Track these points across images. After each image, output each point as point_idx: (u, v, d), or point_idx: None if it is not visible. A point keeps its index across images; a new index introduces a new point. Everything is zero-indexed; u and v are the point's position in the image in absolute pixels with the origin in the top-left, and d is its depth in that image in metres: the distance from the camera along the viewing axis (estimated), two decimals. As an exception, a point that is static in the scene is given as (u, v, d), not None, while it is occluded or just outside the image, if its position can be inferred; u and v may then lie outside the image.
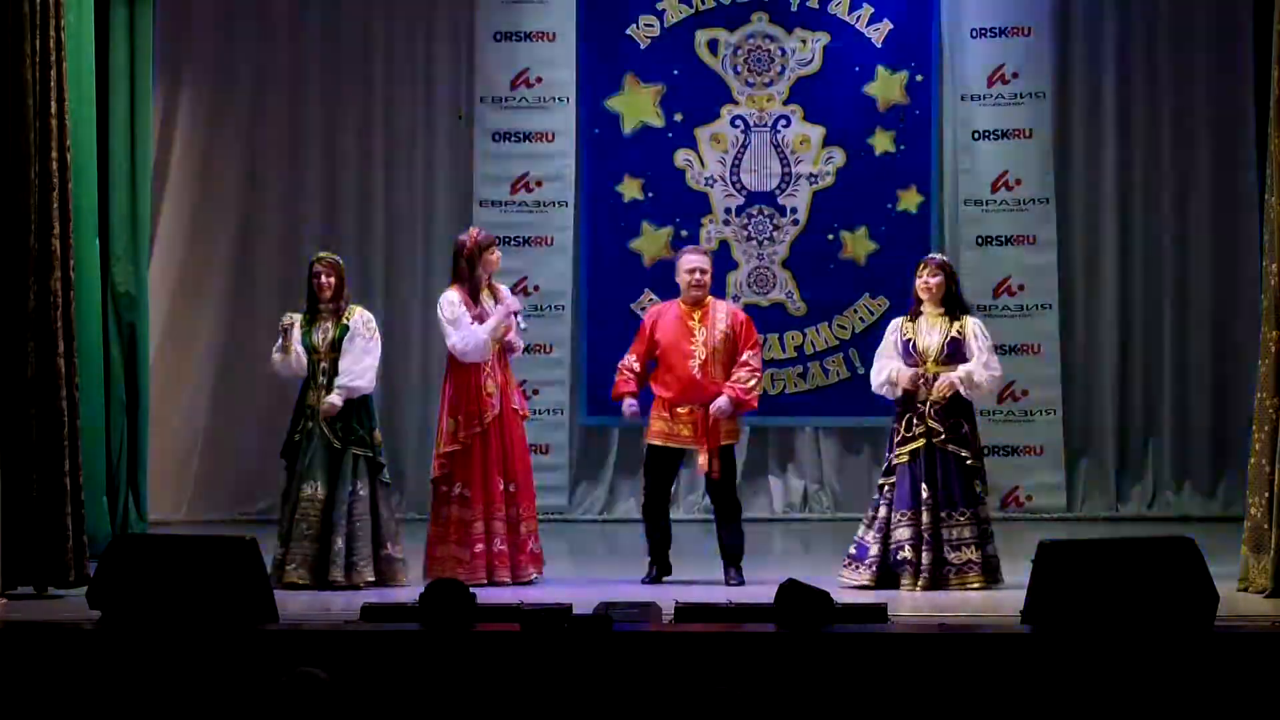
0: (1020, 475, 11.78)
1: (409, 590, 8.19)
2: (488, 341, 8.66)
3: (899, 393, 8.58)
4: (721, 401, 8.74)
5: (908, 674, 6.20)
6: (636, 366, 8.96)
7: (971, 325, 8.66)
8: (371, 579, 8.55)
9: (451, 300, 8.74)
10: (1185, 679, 6.12)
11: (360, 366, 8.68)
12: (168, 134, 11.64)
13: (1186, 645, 6.37)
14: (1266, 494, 8.10)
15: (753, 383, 8.83)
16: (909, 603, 8.02)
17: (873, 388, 8.76)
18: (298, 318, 8.79)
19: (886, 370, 8.62)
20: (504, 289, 8.93)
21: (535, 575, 8.74)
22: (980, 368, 8.56)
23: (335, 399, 8.62)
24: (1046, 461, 11.85)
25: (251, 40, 11.98)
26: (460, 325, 8.67)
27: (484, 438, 8.72)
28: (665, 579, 8.79)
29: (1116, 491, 11.89)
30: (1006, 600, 7.73)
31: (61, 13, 8.51)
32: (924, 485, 8.47)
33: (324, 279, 8.75)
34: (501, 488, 8.70)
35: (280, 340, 8.74)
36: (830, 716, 5.99)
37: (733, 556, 8.80)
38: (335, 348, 8.73)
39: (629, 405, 8.94)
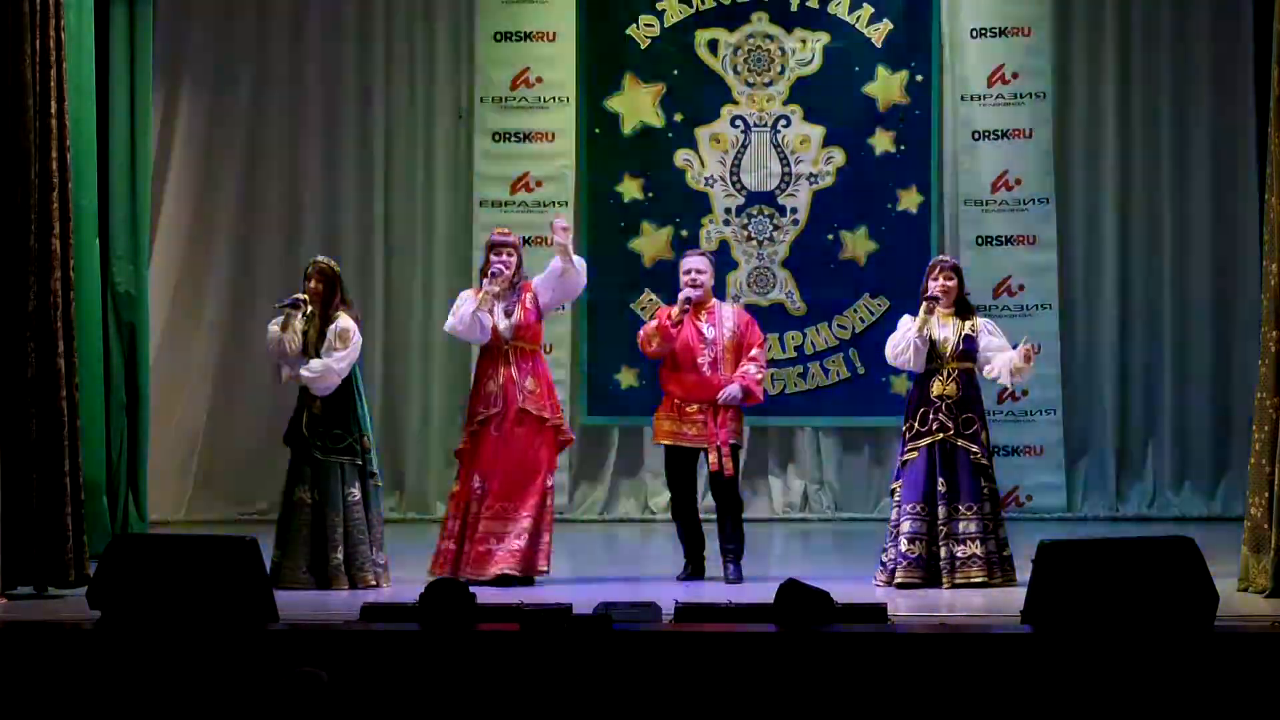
0: (1020, 475, 11.77)
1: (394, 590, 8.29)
2: (472, 313, 8.65)
3: (914, 351, 8.53)
4: (732, 388, 8.79)
5: (908, 674, 6.20)
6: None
7: (983, 324, 8.75)
8: (374, 583, 8.53)
9: (463, 293, 8.87)
10: (1185, 679, 6.12)
11: (328, 368, 8.53)
12: (168, 134, 11.64)
13: (1186, 645, 6.37)
14: (1266, 494, 8.10)
15: (760, 375, 8.93)
16: (909, 603, 8.02)
17: (890, 358, 8.73)
18: (307, 307, 8.66)
19: (900, 330, 8.63)
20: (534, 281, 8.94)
21: (495, 574, 8.49)
22: (1008, 361, 8.66)
23: (304, 372, 8.53)
24: (1046, 461, 11.84)
25: (251, 40, 11.98)
26: (457, 311, 8.75)
27: (483, 436, 8.72)
28: (699, 579, 8.79)
29: (1116, 491, 11.89)
30: (1007, 600, 7.74)
31: (61, 13, 8.51)
32: (940, 479, 8.50)
33: (312, 284, 8.67)
34: (477, 485, 8.66)
35: (284, 316, 8.62)
36: (830, 716, 5.99)
37: (735, 554, 8.82)
38: (317, 352, 8.66)
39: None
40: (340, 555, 8.50)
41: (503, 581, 8.44)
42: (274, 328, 8.66)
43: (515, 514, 8.64)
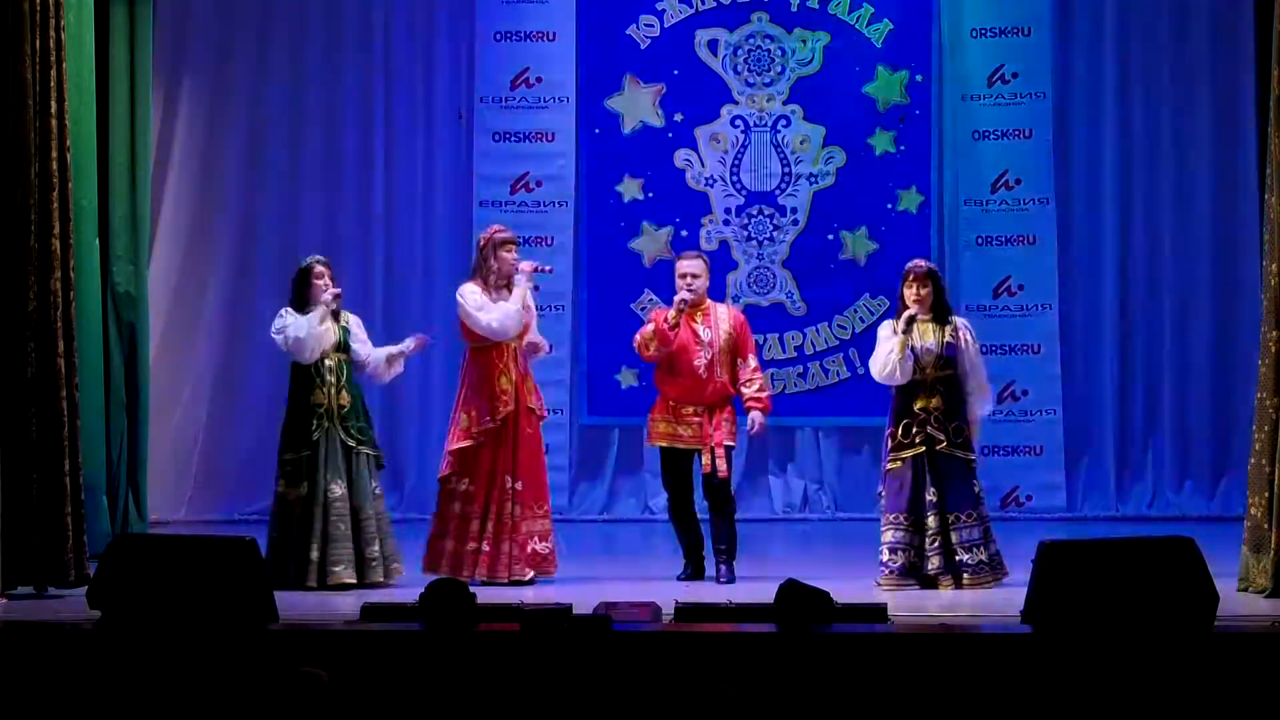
0: (1020, 475, 11.77)
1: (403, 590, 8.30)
2: (518, 310, 8.71)
3: (900, 371, 8.49)
4: (758, 416, 8.89)
5: (908, 674, 6.20)
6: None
7: (963, 331, 8.67)
8: (402, 572, 8.67)
9: (472, 290, 8.81)
10: (1185, 679, 6.12)
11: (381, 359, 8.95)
12: (168, 134, 11.64)
13: (1186, 645, 6.37)
14: (1266, 494, 8.10)
15: (767, 390, 9.04)
16: (909, 603, 8.02)
17: (876, 376, 8.68)
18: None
19: (884, 348, 8.56)
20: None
21: (532, 575, 8.69)
22: (979, 402, 8.65)
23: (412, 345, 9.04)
24: (1046, 461, 11.84)
25: (251, 40, 11.98)
26: (488, 308, 8.72)
27: (496, 434, 8.72)
28: (699, 579, 8.81)
29: (1116, 491, 11.89)
30: (1006, 600, 7.73)
31: (61, 13, 8.51)
32: (931, 489, 8.48)
33: (325, 279, 8.76)
34: (509, 485, 8.70)
35: (324, 309, 8.68)
36: (830, 716, 5.98)
37: (727, 555, 8.82)
38: (339, 348, 8.75)
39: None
40: (377, 548, 8.63)
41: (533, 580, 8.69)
42: (320, 324, 8.67)
43: (542, 511, 8.81)
